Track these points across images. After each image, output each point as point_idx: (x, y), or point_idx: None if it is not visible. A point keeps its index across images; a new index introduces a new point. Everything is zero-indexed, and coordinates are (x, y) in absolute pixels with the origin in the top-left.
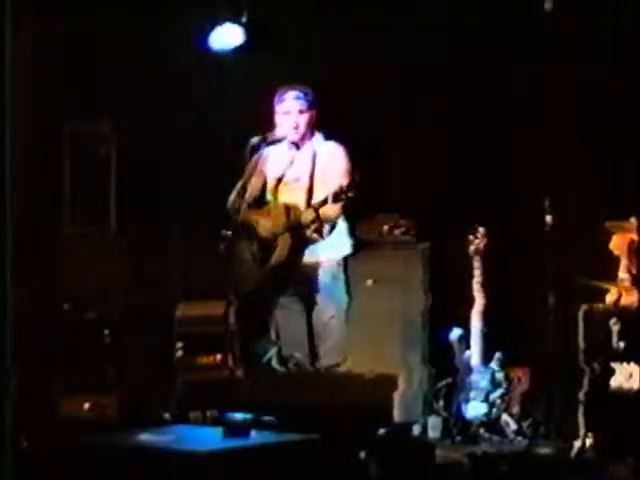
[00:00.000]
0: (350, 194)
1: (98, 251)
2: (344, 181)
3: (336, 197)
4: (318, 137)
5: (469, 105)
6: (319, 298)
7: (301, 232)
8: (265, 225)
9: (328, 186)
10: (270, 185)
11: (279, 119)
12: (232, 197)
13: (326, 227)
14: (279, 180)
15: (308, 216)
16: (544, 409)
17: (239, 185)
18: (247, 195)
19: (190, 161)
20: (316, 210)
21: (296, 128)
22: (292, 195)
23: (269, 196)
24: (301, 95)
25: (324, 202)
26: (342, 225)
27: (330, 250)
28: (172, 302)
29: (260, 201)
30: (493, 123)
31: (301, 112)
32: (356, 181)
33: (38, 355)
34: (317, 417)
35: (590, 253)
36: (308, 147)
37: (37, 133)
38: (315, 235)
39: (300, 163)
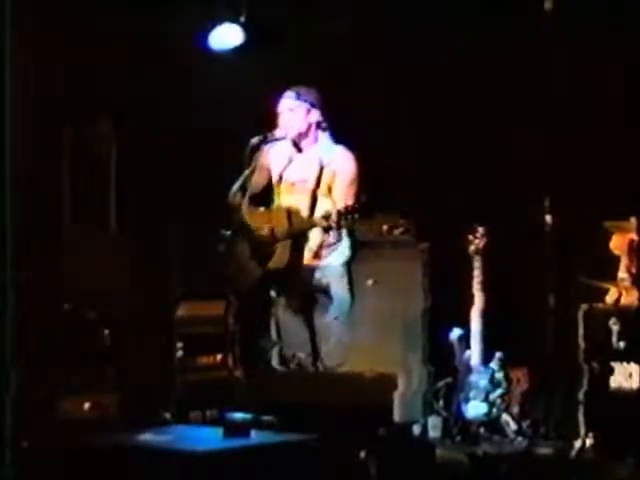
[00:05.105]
0: (355, 214)
1: (98, 251)
2: (349, 198)
3: (340, 216)
4: (325, 139)
5: (469, 105)
6: (321, 299)
7: (302, 240)
8: (265, 228)
9: (333, 194)
10: (274, 182)
11: (278, 119)
12: (234, 189)
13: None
14: (284, 178)
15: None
16: (544, 409)
17: (241, 178)
18: (249, 190)
19: (190, 161)
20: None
21: (287, 126)
22: (296, 197)
23: (274, 193)
24: (292, 94)
25: (327, 217)
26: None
27: (332, 251)
28: (172, 302)
29: (263, 197)
30: (493, 123)
31: (291, 110)
32: (362, 201)
33: (38, 355)
34: (317, 417)
35: (590, 253)
36: (314, 149)
37: (37, 133)
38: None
39: (307, 164)
